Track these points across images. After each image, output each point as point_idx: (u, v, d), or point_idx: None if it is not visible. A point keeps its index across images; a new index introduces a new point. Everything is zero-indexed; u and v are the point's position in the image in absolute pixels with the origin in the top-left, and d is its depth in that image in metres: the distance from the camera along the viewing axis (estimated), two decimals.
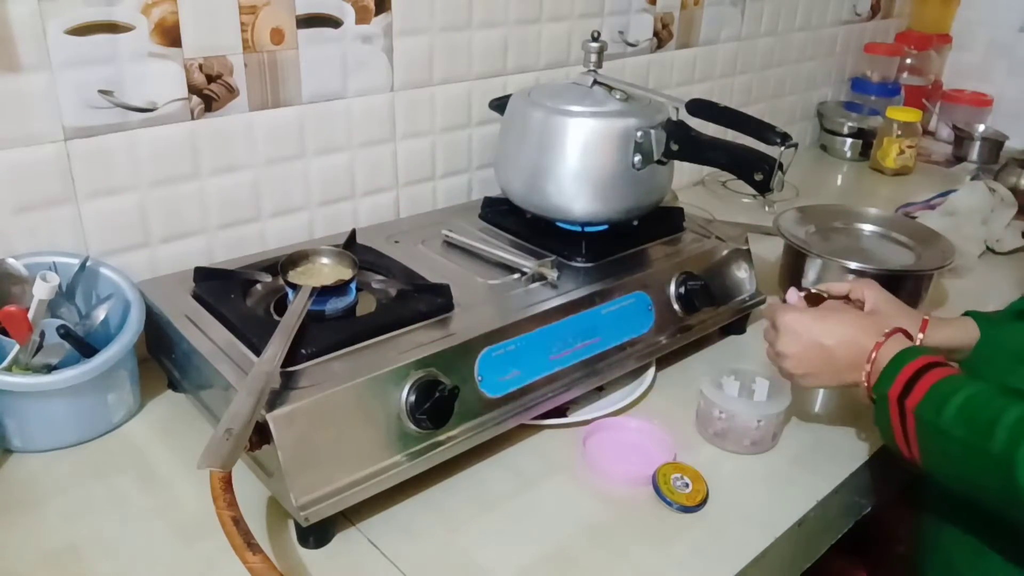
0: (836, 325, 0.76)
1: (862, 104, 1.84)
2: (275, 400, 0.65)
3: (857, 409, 0.89)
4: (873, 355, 0.73)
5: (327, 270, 0.83)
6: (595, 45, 0.95)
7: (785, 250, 1.13)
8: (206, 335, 0.75)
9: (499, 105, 1.03)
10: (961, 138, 1.81)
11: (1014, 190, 1.41)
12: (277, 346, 0.69)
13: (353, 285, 0.80)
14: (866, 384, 0.73)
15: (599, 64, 0.96)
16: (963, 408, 0.65)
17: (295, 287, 0.77)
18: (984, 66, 1.94)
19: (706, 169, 1.51)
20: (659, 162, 0.92)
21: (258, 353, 0.69)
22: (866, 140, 1.76)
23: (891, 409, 0.70)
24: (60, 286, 0.77)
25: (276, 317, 0.79)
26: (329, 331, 0.74)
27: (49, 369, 0.76)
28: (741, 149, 0.86)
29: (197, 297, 0.82)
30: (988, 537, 0.72)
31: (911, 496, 0.86)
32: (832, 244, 1.15)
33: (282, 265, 0.81)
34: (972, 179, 1.45)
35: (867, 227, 1.20)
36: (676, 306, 0.93)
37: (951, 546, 0.77)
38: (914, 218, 1.36)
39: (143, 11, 0.82)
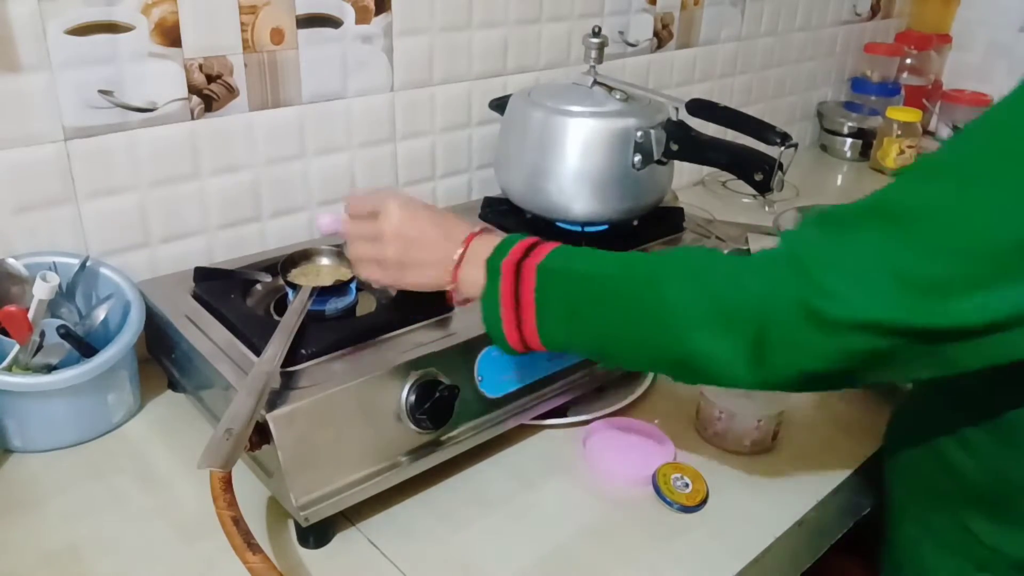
0: (422, 215, 0.69)
1: (862, 104, 1.84)
2: (275, 400, 0.65)
3: (857, 409, 0.89)
4: (463, 250, 0.66)
5: (327, 270, 0.83)
6: (596, 40, 0.95)
7: None
8: (206, 335, 0.75)
9: (499, 105, 1.03)
10: None
11: None
12: (277, 346, 0.69)
13: (353, 285, 0.80)
14: (455, 283, 0.67)
15: (600, 60, 0.96)
16: (593, 252, 0.62)
17: (295, 287, 0.77)
18: (984, 66, 1.94)
19: (706, 169, 1.50)
20: (659, 162, 0.92)
21: (258, 353, 0.69)
22: (866, 140, 1.76)
23: (504, 279, 0.62)
24: (60, 286, 0.77)
25: (276, 317, 0.79)
26: (329, 331, 0.74)
27: (49, 369, 0.76)
28: (741, 149, 0.86)
29: (197, 297, 0.82)
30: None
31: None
32: None
33: (282, 265, 0.81)
34: None
35: None
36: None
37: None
38: None
39: (143, 11, 0.82)
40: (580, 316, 0.61)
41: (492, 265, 0.63)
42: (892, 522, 0.75)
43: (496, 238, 0.66)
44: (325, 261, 0.84)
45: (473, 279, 0.66)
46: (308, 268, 0.83)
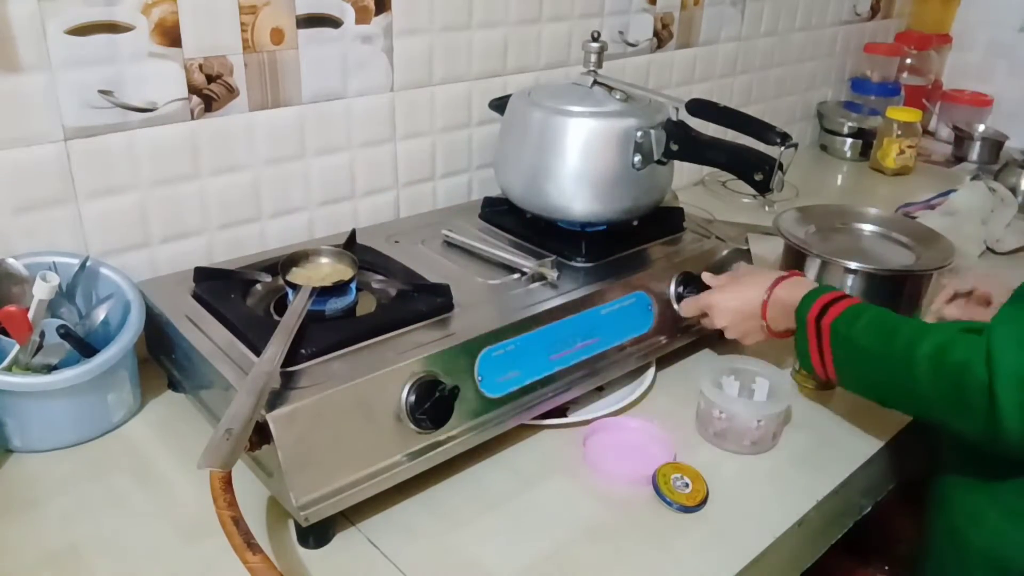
0: (734, 288, 0.88)
1: (862, 104, 1.84)
2: (275, 400, 0.65)
3: (857, 410, 0.89)
4: (766, 297, 0.84)
5: (327, 270, 0.83)
6: (595, 45, 0.95)
7: (785, 250, 1.13)
8: (206, 335, 0.75)
9: (499, 105, 1.03)
10: (961, 138, 1.81)
11: (1014, 190, 1.41)
12: (277, 346, 0.69)
13: (353, 285, 0.80)
14: (765, 323, 0.84)
15: (599, 64, 0.96)
16: (871, 321, 0.75)
17: (295, 287, 0.77)
18: (984, 66, 1.94)
19: (706, 169, 1.51)
20: (659, 162, 0.92)
21: (258, 353, 0.69)
22: (866, 140, 1.76)
23: (808, 330, 0.78)
24: (60, 286, 0.77)
25: (276, 317, 0.79)
26: (329, 331, 0.74)
27: (49, 369, 0.76)
28: (741, 149, 0.86)
29: (197, 297, 0.82)
30: (987, 497, 0.75)
31: (911, 495, 0.86)
32: (832, 244, 1.15)
33: (282, 265, 0.81)
34: (972, 179, 1.45)
35: (867, 227, 1.20)
36: (676, 306, 0.93)
37: (954, 509, 0.78)
38: (914, 218, 1.36)
39: (143, 11, 0.82)
40: (863, 379, 0.77)
41: (799, 316, 0.80)
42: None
43: (800, 288, 0.82)
44: (325, 261, 0.84)
45: (778, 319, 0.84)
46: (308, 268, 0.83)
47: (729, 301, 0.87)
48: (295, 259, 0.82)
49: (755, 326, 0.86)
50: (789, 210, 1.19)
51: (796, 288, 0.82)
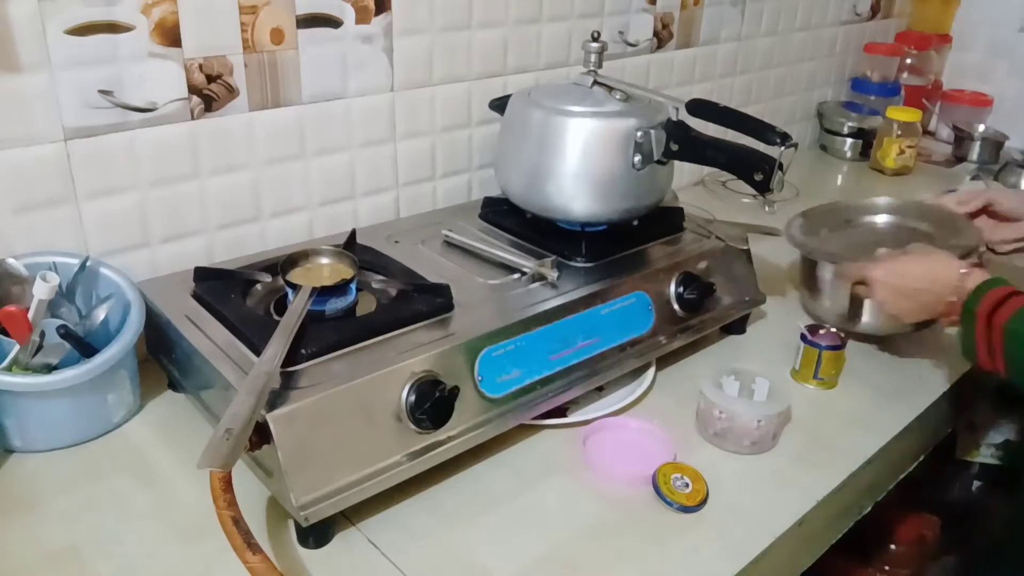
0: (902, 266, 0.89)
1: (862, 104, 1.84)
2: (275, 400, 0.65)
3: (857, 410, 0.89)
4: (959, 286, 0.83)
5: (327, 270, 0.83)
6: (595, 46, 0.95)
7: (804, 261, 1.06)
8: (206, 335, 0.75)
9: (499, 105, 1.03)
10: (961, 138, 1.81)
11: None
12: (277, 346, 0.69)
13: (353, 285, 0.80)
14: (954, 310, 0.84)
15: (599, 64, 0.96)
16: None
17: (295, 287, 0.77)
18: (984, 66, 1.94)
19: (706, 169, 1.51)
20: (659, 162, 0.92)
21: (258, 353, 0.69)
22: (866, 140, 1.75)
23: (978, 324, 0.80)
24: (60, 286, 0.77)
25: (276, 317, 0.79)
26: (329, 331, 0.74)
27: (49, 369, 0.76)
28: (741, 149, 0.86)
29: (197, 297, 0.82)
30: None
31: (911, 496, 0.86)
32: (853, 244, 1.08)
33: (282, 265, 0.81)
34: (972, 179, 1.45)
35: (880, 219, 1.16)
36: (676, 306, 0.93)
37: None
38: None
39: (143, 11, 0.82)
40: None
41: (969, 308, 0.81)
42: None
43: (971, 279, 0.83)
44: (325, 261, 0.84)
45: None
46: (308, 268, 0.83)
47: (893, 278, 0.89)
48: (295, 259, 0.82)
49: (914, 306, 0.88)
50: (794, 218, 1.12)
51: (968, 280, 0.83)
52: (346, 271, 0.81)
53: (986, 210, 1.07)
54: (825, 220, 1.15)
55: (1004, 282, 0.82)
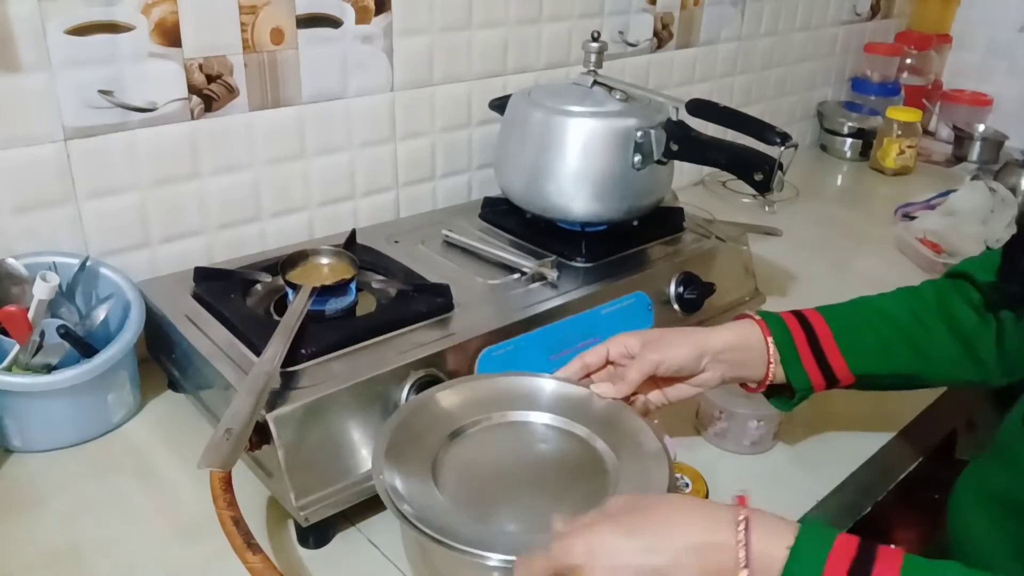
0: (659, 530, 0.50)
1: (862, 104, 1.84)
2: (275, 400, 0.65)
3: (856, 410, 0.89)
4: (743, 555, 0.48)
5: (327, 270, 0.83)
6: (595, 45, 0.95)
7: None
8: (206, 335, 0.75)
9: (499, 105, 1.03)
10: (961, 138, 1.81)
11: (1014, 190, 1.41)
12: (277, 346, 0.69)
13: (353, 285, 0.80)
14: None
15: (599, 64, 0.96)
16: None
17: (295, 287, 0.77)
18: (984, 66, 1.94)
19: (706, 169, 1.51)
20: (659, 162, 0.92)
21: (258, 353, 0.69)
22: (866, 140, 1.75)
23: None
24: (60, 286, 0.77)
25: (276, 317, 0.79)
26: (329, 331, 0.74)
27: (49, 369, 0.76)
28: (741, 149, 0.86)
29: (197, 297, 0.82)
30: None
31: (911, 496, 0.86)
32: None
33: (282, 265, 0.81)
34: (972, 179, 1.45)
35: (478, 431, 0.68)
36: (676, 306, 0.93)
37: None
38: (913, 218, 1.36)
39: (143, 11, 0.82)
40: None
41: None
42: None
43: (772, 530, 0.48)
44: (325, 261, 0.84)
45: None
46: (308, 268, 0.82)
47: (641, 554, 0.48)
48: (295, 259, 0.82)
49: None
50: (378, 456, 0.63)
51: (770, 531, 0.49)
52: (346, 271, 0.81)
53: (654, 378, 0.70)
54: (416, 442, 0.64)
55: (831, 535, 0.49)
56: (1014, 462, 0.67)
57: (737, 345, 0.72)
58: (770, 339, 0.72)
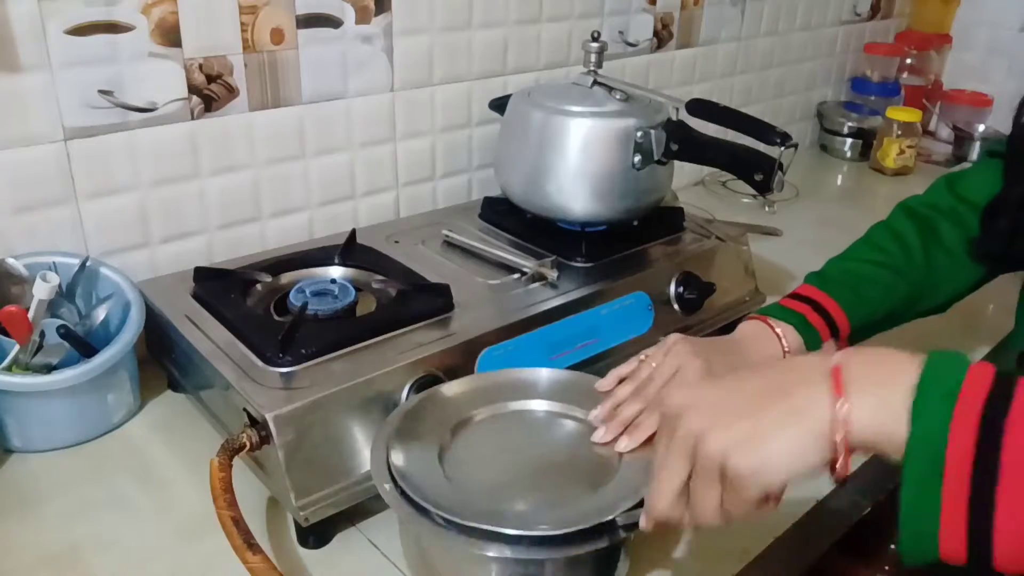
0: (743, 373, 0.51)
1: (862, 104, 1.84)
2: (275, 400, 0.65)
3: None
4: (838, 375, 0.44)
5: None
6: (595, 45, 0.95)
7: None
8: (206, 335, 0.75)
9: (499, 105, 1.03)
10: (961, 138, 1.81)
11: None
12: None
13: (353, 285, 0.80)
14: (842, 432, 0.44)
15: (599, 64, 0.96)
16: None
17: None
18: (984, 66, 1.94)
19: (706, 169, 1.51)
20: (659, 162, 0.92)
21: (258, 353, 0.69)
22: (866, 140, 1.75)
23: (952, 442, 0.41)
24: (60, 286, 0.77)
25: (276, 317, 0.79)
26: (329, 331, 0.74)
27: (49, 369, 0.76)
28: (741, 149, 0.86)
29: (197, 297, 0.82)
30: None
31: None
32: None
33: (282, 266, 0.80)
34: None
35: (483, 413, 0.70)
36: (676, 306, 0.93)
37: None
38: None
39: (143, 11, 0.82)
40: None
41: (919, 436, 0.42)
42: None
43: (885, 359, 0.44)
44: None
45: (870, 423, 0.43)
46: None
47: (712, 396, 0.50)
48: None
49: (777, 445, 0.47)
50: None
51: (881, 365, 0.45)
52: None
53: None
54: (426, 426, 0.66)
55: (961, 358, 0.43)
56: None
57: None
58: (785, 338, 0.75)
